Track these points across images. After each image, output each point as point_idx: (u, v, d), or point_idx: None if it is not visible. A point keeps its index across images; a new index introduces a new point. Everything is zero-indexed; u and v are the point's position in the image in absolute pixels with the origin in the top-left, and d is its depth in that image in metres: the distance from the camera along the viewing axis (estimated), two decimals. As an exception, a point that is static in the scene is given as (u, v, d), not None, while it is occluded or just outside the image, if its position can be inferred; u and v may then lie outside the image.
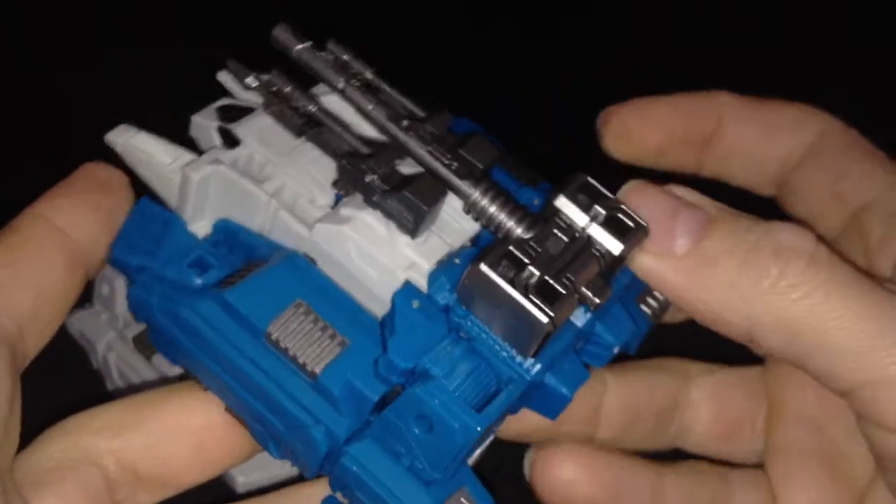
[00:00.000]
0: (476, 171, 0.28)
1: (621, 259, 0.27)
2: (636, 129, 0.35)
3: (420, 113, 0.29)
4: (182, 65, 0.45)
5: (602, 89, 0.38)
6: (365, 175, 0.27)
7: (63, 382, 0.30)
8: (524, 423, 0.31)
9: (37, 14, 0.66)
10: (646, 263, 0.28)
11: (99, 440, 0.27)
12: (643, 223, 0.27)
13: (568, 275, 0.26)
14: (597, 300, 0.26)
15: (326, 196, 0.29)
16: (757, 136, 0.35)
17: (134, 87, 0.60)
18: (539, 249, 0.26)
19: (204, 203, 0.29)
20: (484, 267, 0.25)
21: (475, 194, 0.27)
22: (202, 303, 0.27)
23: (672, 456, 0.37)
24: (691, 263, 0.28)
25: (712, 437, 0.36)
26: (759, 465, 0.36)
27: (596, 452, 0.33)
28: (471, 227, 0.29)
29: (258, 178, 0.29)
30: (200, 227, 0.30)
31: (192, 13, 0.66)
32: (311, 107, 0.29)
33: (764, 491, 0.34)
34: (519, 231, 0.27)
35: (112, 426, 0.27)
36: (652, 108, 0.35)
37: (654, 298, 0.32)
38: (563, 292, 0.25)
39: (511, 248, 0.26)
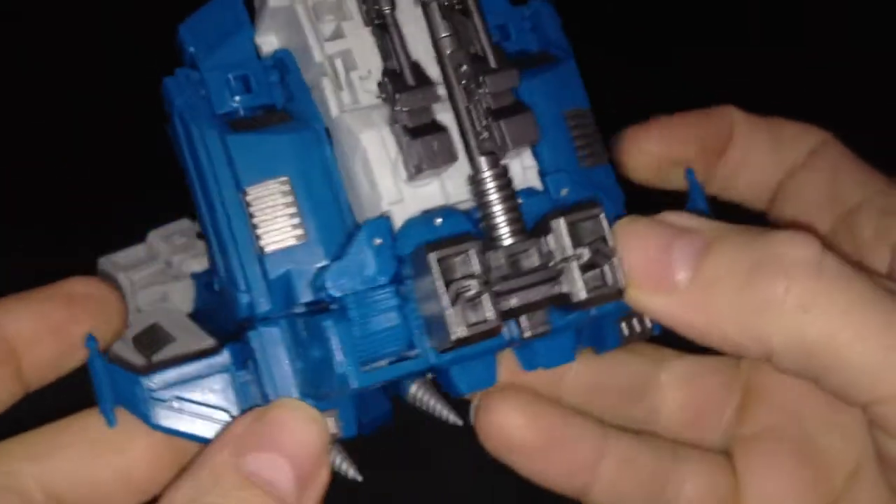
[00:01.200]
0: (502, 152, 0.27)
1: (582, 305, 0.27)
2: (657, 152, 0.34)
3: (492, 62, 0.27)
4: None
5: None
6: (395, 103, 0.27)
7: (64, 382, 0.30)
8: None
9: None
10: (651, 303, 0.27)
11: (22, 466, 0.27)
12: (621, 285, 0.27)
13: (515, 298, 0.26)
14: (527, 334, 0.27)
15: None
16: (765, 151, 0.35)
17: None
18: (503, 260, 0.26)
19: (274, 28, 0.30)
20: (431, 256, 0.25)
21: (483, 174, 0.27)
22: (209, 131, 0.28)
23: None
24: (695, 293, 0.27)
25: (679, 423, 0.36)
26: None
27: (539, 403, 0.33)
28: None
29: (336, 31, 0.29)
30: (268, 43, 0.30)
31: None
32: (385, 8, 0.28)
33: (721, 476, 0.34)
34: (501, 232, 0.27)
35: (35, 453, 0.28)
36: (670, 129, 0.35)
37: (641, 323, 0.32)
38: (489, 317, 0.25)
39: (472, 250, 0.26)
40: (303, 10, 0.29)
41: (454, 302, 0.25)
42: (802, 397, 0.33)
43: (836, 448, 0.32)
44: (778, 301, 0.26)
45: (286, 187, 0.28)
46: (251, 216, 0.28)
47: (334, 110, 0.28)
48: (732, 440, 0.35)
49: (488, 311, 0.25)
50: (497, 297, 0.26)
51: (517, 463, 0.33)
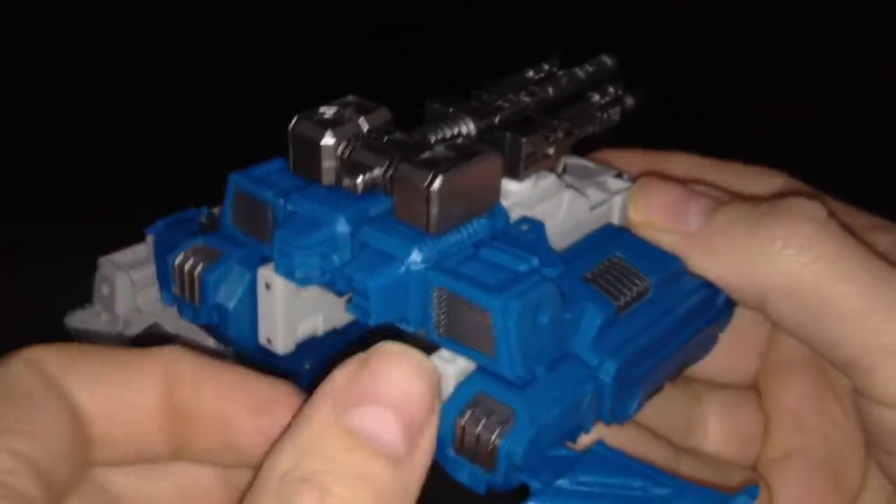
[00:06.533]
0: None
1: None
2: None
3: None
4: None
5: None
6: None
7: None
8: None
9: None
10: (663, 237, 0.31)
11: (78, 388, 0.25)
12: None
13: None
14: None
15: None
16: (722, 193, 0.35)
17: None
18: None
19: None
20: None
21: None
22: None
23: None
24: (702, 234, 0.30)
25: (725, 454, 0.36)
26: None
27: None
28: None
29: None
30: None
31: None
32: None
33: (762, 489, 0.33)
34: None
35: (93, 377, 0.26)
36: (623, 156, 0.36)
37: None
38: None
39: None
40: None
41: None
42: (823, 413, 0.34)
43: (853, 465, 0.33)
44: (779, 244, 0.29)
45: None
46: None
47: None
48: (762, 461, 0.35)
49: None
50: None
51: None
